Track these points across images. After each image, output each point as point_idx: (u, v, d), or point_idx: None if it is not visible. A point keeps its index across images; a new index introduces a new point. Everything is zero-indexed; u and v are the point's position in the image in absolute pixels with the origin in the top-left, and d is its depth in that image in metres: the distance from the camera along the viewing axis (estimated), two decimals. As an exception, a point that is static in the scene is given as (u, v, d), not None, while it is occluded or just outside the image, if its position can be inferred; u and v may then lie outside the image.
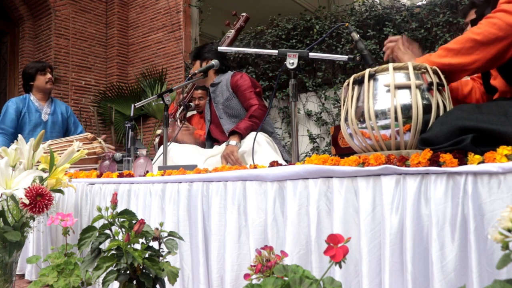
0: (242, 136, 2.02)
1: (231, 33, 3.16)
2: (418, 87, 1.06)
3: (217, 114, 2.28)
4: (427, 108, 1.05)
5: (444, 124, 0.95)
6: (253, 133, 1.96)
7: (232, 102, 2.22)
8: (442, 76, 1.12)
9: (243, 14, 3.16)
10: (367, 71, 1.12)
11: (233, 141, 2.00)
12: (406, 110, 1.05)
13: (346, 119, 1.17)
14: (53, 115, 3.03)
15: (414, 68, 1.08)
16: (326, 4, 7.35)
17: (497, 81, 1.27)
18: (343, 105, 1.20)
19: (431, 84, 1.07)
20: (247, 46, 4.95)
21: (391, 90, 1.06)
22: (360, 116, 1.12)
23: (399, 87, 1.07)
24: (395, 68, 1.09)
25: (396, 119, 1.05)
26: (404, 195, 0.91)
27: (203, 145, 2.54)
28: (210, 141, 2.43)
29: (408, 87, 1.06)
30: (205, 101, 3.54)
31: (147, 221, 1.24)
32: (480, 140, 0.89)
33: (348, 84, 1.19)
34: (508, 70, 1.18)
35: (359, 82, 1.14)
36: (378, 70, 1.11)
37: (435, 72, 1.11)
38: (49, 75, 2.98)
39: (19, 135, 1.46)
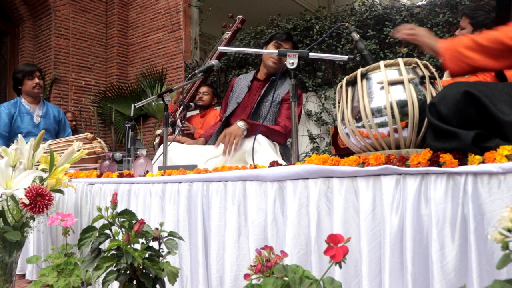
0: (249, 129, 1.95)
1: (228, 34, 3.18)
2: (411, 81, 1.06)
3: (254, 105, 2.12)
4: (421, 102, 1.06)
5: (449, 89, 0.94)
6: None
7: (273, 108, 2.11)
8: (433, 70, 1.13)
9: (239, 16, 3.17)
10: (359, 71, 1.13)
11: (242, 124, 1.92)
12: (402, 106, 1.05)
13: (342, 119, 1.18)
14: (45, 118, 2.99)
15: (405, 63, 1.09)
16: (326, 4, 7.35)
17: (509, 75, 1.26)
18: (339, 107, 1.21)
19: (423, 77, 1.08)
20: (247, 46, 4.95)
21: (384, 87, 1.07)
22: (357, 115, 1.12)
23: (392, 83, 1.07)
24: (386, 65, 1.10)
25: (392, 116, 1.05)
26: (404, 195, 0.91)
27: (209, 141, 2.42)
28: (228, 119, 2.25)
29: (401, 82, 1.07)
30: (209, 97, 3.55)
31: (147, 221, 1.24)
32: (480, 135, 0.88)
33: (341, 87, 1.19)
34: None
35: (352, 83, 1.15)
36: (370, 69, 1.12)
37: (425, 66, 1.12)
38: (36, 80, 2.90)
39: (19, 135, 1.46)
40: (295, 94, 1.44)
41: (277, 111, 2.11)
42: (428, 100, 1.06)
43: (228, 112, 2.24)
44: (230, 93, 2.34)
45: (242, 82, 2.30)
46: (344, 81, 1.18)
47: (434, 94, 1.07)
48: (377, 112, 1.07)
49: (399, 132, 1.06)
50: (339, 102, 1.20)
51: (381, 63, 1.10)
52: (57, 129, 3.10)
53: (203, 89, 3.54)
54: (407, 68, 1.09)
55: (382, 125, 1.07)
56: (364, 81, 1.11)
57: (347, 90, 1.16)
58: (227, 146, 1.87)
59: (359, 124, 1.11)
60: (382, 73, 1.09)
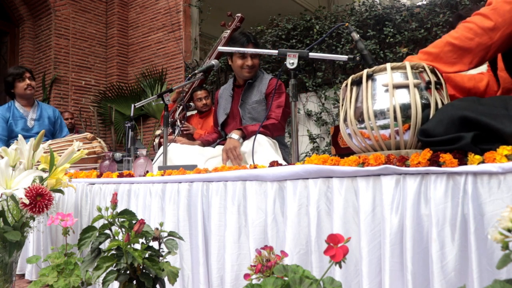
0: (245, 136, 2.01)
1: (227, 33, 3.17)
2: (416, 86, 1.06)
3: (240, 113, 2.20)
4: (425, 107, 1.05)
5: (444, 114, 0.94)
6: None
7: (261, 106, 2.16)
8: (440, 75, 1.12)
9: (238, 14, 3.18)
10: (365, 72, 1.12)
11: (235, 135, 1.97)
12: (405, 109, 1.05)
13: (345, 120, 1.17)
14: (39, 121, 2.97)
15: (412, 67, 1.08)
16: (326, 4, 7.35)
17: (502, 75, 1.26)
18: (342, 106, 1.20)
19: (429, 83, 1.07)
20: (247, 46, 4.94)
21: (389, 90, 1.06)
22: (359, 117, 1.11)
23: (397, 86, 1.07)
24: (393, 68, 1.09)
25: (395, 118, 1.05)
26: (404, 195, 0.91)
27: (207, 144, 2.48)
28: (224, 131, 2.34)
29: (406, 86, 1.06)
30: (211, 100, 3.54)
31: (147, 221, 1.24)
32: (479, 136, 0.88)
33: (346, 85, 1.18)
34: None
35: (357, 82, 1.14)
36: (376, 70, 1.11)
37: (432, 71, 1.11)
38: (27, 81, 2.88)
39: (19, 135, 1.46)
40: (295, 94, 1.44)
41: (264, 108, 2.16)
42: (432, 105, 1.05)
43: (220, 125, 2.33)
44: (217, 106, 2.41)
45: (225, 93, 2.37)
46: (349, 80, 1.17)
47: (439, 101, 1.07)
48: (380, 114, 1.07)
49: (400, 135, 1.05)
50: (343, 100, 1.20)
51: (388, 65, 1.09)
52: (52, 130, 3.07)
53: (203, 93, 3.49)
54: (414, 72, 1.08)
55: (384, 127, 1.06)
56: (369, 82, 1.11)
57: (351, 89, 1.16)
58: (233, 162, 1.92)
59: (362, 126, 1.10)
60: (388, 75, 1.08)
